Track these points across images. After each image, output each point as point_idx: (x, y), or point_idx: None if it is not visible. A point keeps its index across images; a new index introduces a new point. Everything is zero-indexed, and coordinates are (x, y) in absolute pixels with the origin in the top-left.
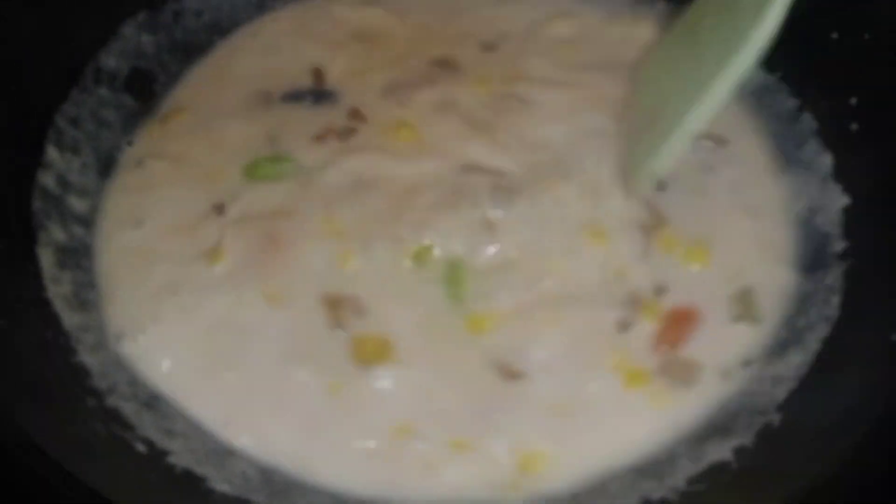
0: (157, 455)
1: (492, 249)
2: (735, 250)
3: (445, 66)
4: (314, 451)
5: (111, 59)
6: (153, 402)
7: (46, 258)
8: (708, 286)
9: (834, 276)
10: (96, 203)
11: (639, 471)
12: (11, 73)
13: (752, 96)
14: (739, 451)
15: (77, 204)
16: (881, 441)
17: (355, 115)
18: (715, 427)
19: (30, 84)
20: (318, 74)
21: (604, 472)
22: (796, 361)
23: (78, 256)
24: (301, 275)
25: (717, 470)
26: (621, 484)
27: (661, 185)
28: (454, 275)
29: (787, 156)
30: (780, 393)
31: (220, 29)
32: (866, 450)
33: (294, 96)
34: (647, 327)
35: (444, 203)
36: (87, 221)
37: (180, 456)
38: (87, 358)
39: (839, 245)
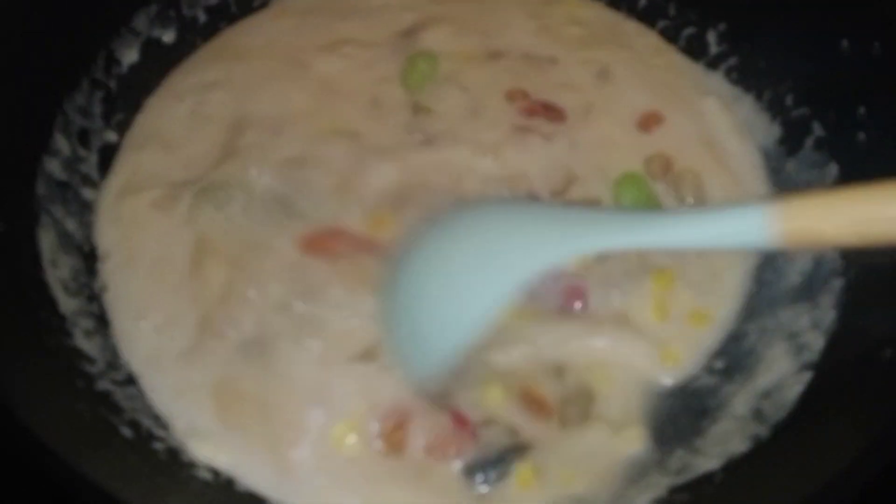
0: (142, 440)
1: None
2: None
3: None
4: None
5: (123, 50)
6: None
7: (47, 241)
8: None
9: (832, 290)
10: (100, 189)
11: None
12: (21, 61)
13: (760, 103)
14: (727, 462)
15: (81, 191)
16: (875, 458)
17: None
18: None
19: (39, 72)
20: None
21: None
22: None
23: (79, 242)
24: None
25: (703, 480)
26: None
27: None
28: None
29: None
30: (771, 406)
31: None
32: (859, 465)
33: None
34: None
35: None
36: (91, 207)
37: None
38: (82, 342)
39: (838, 258)
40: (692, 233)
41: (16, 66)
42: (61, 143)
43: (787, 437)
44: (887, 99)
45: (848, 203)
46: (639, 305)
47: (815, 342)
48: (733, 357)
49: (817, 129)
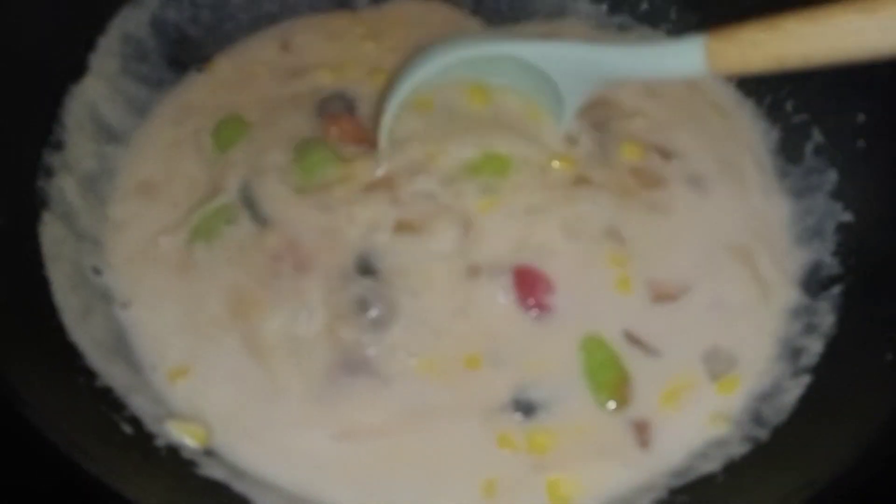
0: (143, 436)
1: None
2: None
3: None
4: None
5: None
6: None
7: (47, 237)
8: None
9: (831, 295)
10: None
11: None
12: (20, 54)
13: (760, 109)
14: (727, 464)
15: (82, 183)
16: (873, 461)
17: None
18: None
19: (41, 63)
20: None
21: None
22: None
23: (81, 238)
24: None
25: (703, 482)
26: None
27: None
28: None
29: (791, 171)
30: (770, 409)
31: None
32: (857, 469)
33: None
34: None
35: None
36: (92, 201)
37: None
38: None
39: (838, 263)
40: (638, 63)
41: (14, 58)
42: (62, 135)
43: (786, 440)
44: (887, 106)
45: (770, 37)
46: None
47: (814, 346)
48: None
49: (817, 136)
